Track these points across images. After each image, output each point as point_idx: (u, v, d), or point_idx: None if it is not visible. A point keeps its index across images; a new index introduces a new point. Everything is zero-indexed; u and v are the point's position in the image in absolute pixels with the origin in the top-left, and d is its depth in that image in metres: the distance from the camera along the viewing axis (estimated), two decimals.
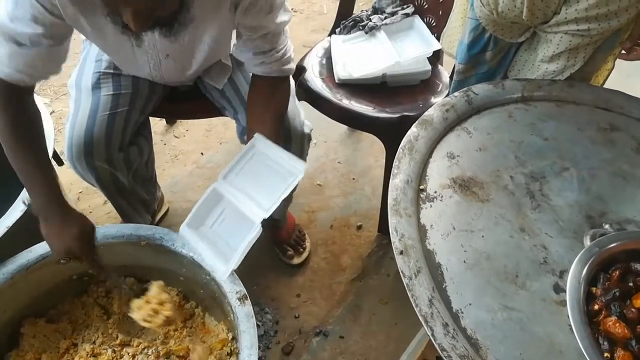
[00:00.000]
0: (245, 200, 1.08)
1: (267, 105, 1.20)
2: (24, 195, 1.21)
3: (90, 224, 1.12)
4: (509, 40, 1.21)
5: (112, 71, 1.31)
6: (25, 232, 1.19)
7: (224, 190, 1.11)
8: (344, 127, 2.24)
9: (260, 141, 1.12)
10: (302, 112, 1.38)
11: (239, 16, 1.09)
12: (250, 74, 1.25)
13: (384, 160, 1.64)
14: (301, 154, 1.40)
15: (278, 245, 1.74)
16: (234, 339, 1.23)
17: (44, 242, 1.18)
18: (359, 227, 1.87)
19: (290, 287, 1.68)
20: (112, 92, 1.29)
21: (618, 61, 1.22)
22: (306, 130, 1.38)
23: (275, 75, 1.20)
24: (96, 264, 1.13)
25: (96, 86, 1.29)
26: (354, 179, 2.05)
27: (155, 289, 1.18)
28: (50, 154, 1.29)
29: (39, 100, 1.42)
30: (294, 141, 1.35)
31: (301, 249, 1.75)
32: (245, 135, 1.28)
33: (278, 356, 1.51)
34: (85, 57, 1.35)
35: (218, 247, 1.10)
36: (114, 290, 1.34)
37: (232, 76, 1.38)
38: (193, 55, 1.23)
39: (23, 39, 0.97)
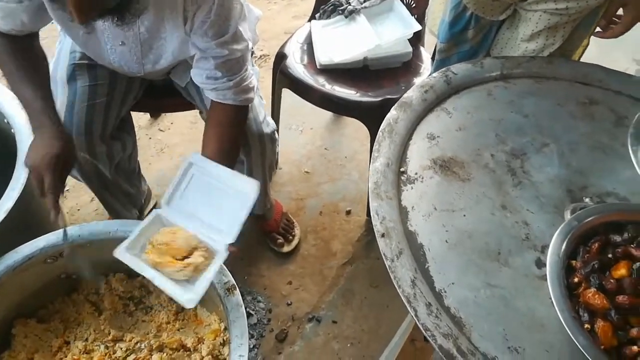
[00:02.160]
0: (199, 226, 1.04)
1: (219, 137, 1.16)
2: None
3: (72, 156, 1.10)
4: (490, 18, 1.20)
5: (86, 62, 1.29)
6: (10, 233, 1.19)
7: (168, 216, 1.06)
8: (329, 114, 2.23)
9: (198, 159, 1.08)
10: (262, 112, 1.35)
11: (189, 32, 1.08)
12: None
13: (369, 145, 1.64)
14: (263, 155, 1.38)
15: (267, 235, 1.75)
16: (227, 329, 1.24)
17: (30, 242, 1.18)
18: (348, 212, 1.88)
19: (282, 275, 1.69)
20: (88, 84, 1.28)
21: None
22: (266, 129, 1.35)
23: (230, 103, 1.16)
24: (54, 198, 1.05)
25: (72, 78, 1.28)
26: (341, 164, 2.05)
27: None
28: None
29: None
30: (252, 144, 1.33)
31: (290, 237, 1.75)
32: None
33: (272, 344, 1.52)
34: (60, 49, 1.34)
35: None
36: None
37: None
38: (158, 51, 1.20)
39: None
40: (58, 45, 1.35)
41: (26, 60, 1.12)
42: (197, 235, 1.03)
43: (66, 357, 1.22)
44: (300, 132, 2.17)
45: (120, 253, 1.02)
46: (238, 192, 1.04)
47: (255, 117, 1.31)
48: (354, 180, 1.98)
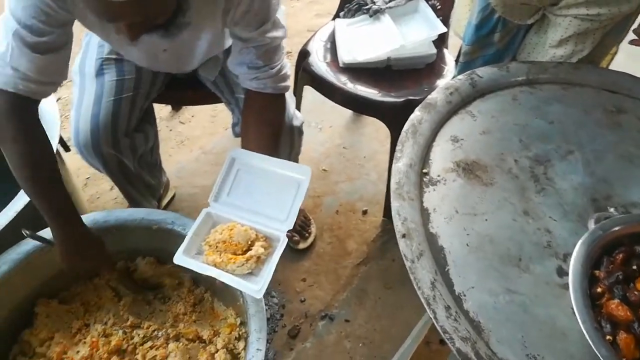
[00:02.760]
0: (254, 217, 1.01)
1: (260, 123, 1.17)
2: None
3: (100, 240, 1.16)
4: (518, 22, 1.19)
5: (114, 56, 1.31)
6: (37, 215, 1.21)
7: (220, 212, 1.04)
8: (349, 112, 2.23)
9: (241, 153, 1.07)
10: (292, 105, 1.35)
11: (230, 25, 1.08)
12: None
13: (389, 145, 1.64)
14: (291, 147, 1.39)
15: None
16: (242, 323, 1.25)
17: None
18: (365, 212, 1.87)
19: (296, 271, 1.69)
20: (115, 78, 1.29)
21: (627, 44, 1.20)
22: (295, 122, 1.35)
23: (269, 91, 1.16)
24: (118, 280, 1.20)
25: (99, 72, 1.30)
26: (359, 164, 2.05)
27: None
28: (57, 141, 1.30)
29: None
30: (283, 136, 1.32)
31: (307, 234, 1.76)
32: (239, 130, 1.27)
33: (284, 339, 1.53)
34: (87, 42, 1.35)
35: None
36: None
37: (222, 68, 1.37)
38: (193, 52, 1.22)
39: (32, 32, 0.94)
40: (85, 37, 1.37)
41: (37, 152, 1.04)
42: (254, 226, 1.01)
43: (85, 338, 1.25)
44: (320, 129, 2.17)
45: (180, 259, 0.99)
46: (290, 178, 1.01)
47: (286, 109, 1.32)
48: (372, 181, 1.98)
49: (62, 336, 1.24)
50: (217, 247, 1.01)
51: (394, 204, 0.79)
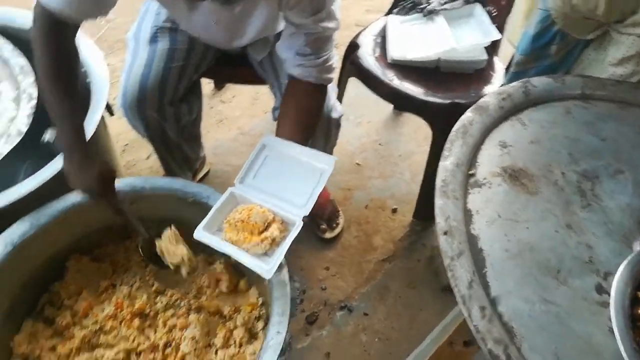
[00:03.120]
0: (274, 201, 1.05)
1: (298, 111, 1.17)
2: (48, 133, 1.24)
3: (111, 168, 1.13)
4: (578, 36, 1.17)
5: (169, 25, 1.34)
6: None
7: (243, 193, 1.07)
8: (389, 110, 2.23)
9: (272, 140, 1.09)
10: (332, 97, 1.35)
11: (285, 9, 1.08)
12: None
13: (426, 147, 1.63)
14: (327, 138, 1.39)
15: (311, 218, 1.76)
16: (264, 304, 1.26)
17: None
18: (394, 211, 1.87)
19: (320, 259, 1.70)
20: (168, 46, 1.32)
21: None
22: (334, 114, 1.35)
23: (312, 80, 1.16)
24: (115, 206, 1.13)
25: (153, 39, 1.32)
26: (394, 162, 2.04)
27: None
28: (104, 104, 1.34)
29: (98, 50, 1.47)
30: (320, 126, 1.33)
31: (334, 225, 1.77)
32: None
33: (302, 324, 1.54)
34: (145, 10, 1.38)
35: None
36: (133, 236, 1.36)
37: (271, 51, 1.38)
38: (245, 28, 1.23)
39: None
40: (144, 4, 1.40)
41: (64, 63, 1.07)
42: (272, 209, 1.04)
43: (111, 298, 1.28)
44: (358, 124, 2.17)
45: (199, 234, 1.04)
46: (313, 167, 1.05)
47: (326, 100, 1.33)
48: (405, 180, 1.97)
49: (89, 293, 1.28)
50: (236, 225, 1.04)
51: (438, 201, 0.79)
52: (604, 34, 1.16)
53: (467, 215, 0.81)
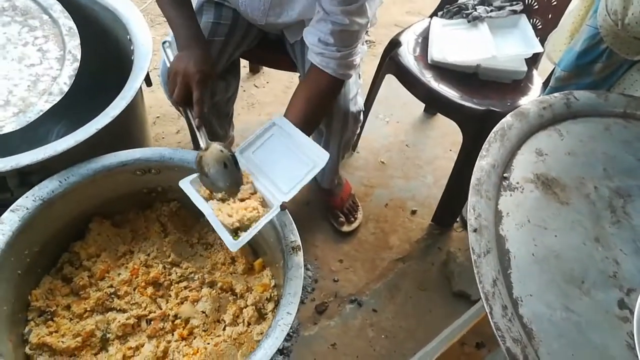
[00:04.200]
0: (262, 180, 1.08)
1: (307, 101, 1.17)
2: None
3: (207, 66, 1.16)
4: (625, 56, 1.16)
5: (215, 0, 1.35)
6: (113, 139, 1.27)
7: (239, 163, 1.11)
8: (419, 112, 2.23)
9: (282, 122, 1.10)
10: (354, 90, 1.34)
11: None
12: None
13: (452, 153, 1.64)
14: (343, 131, 1.38)
15: (331, 210, 1.78)
16: (276, 286, 1.27)
17: (127, 150, 1.26)
18: (414, 212, 1.87)
19: (335, 251, 1.71)
20: (212, 20, 1.34)
21: None
22: (352, 108, 1.34)
23: (329, 72, 1.16)
24: (197, 98, 1.14)
25: (199, 12, 1.35)
26: (418, 164, 2.04)
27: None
28: (145, 73, 1.36)
29: (143, 20, 1.50)
30: (335, 118, 1.33)
31: (352, 219, 1.77)
32: None
33: (311, 312, 1.55)
34: None
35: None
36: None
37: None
38: (288, 4, 1.24)
39: None
40: None
41: None
42: (258, 186, 1.08)
43: (128, 264, 1.31)
44: (386, 122, 2.18)
45: (184, 184, 1.09)
46: (308, 158, 1.07)
47: (346, 93, 1.32)
48: (427, 184, 1.97)
49: (108, 256, 1.31)
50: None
51: (472, 199, 0.80)
52: None
53: (498, 216, 0.81)
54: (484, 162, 0.85)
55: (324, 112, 1.26)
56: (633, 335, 0.70)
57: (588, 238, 0.84)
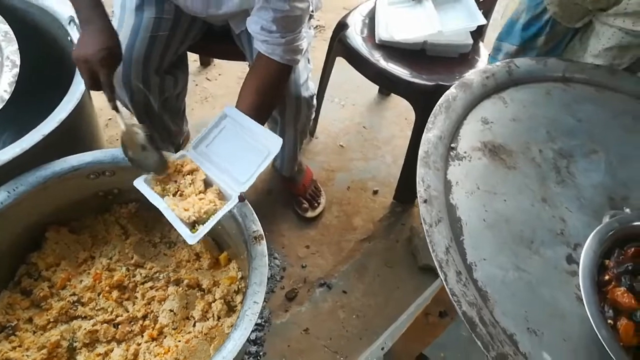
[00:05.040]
0: (218, 172, 1.08)
1: (257, 90, 1.15)
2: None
3: (112, 43, 1.09)
4: (567, 24, 1.18)
5: None
6: (61, 143, 1.24)
7: (193, 158, 1.10)
8: (373, 93, 2.24)
9: (233, 112, 1.09)
10: (304, 75, 1.34)
11: None
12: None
13: (408, 132, 1.66)
14: (296, 117, 1.38)
15: (294, 198, 1.78)
16: (243, 278, 1.27)
17: (78, 154, 1.22)
18: (375, 192, 1.90)
19: (301, 238, 1.72)
20: (154, 15, 1.31)
21: None
22: (304, 93, 1.34)
23: (276, 59, 1.15)
24: (106, 83, 1.08)
25: (139, 7, 1.31)
26: (376, 145, 2.06)
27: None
28: None
29: None
30: (288, 105, 1.33)
31: (316, 204, 1.78)
32: None
33: (281, 300, 1.56)
34: None
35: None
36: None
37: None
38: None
39: None
40: None
41: None
42: (213, 179, 1.07)
43: (90, 270, 1.28)
44: (342, 106, 2.19)
45: (138, 182, 1.07)
46: (262, 146, 1.07)
47: (296, 79, 1.32)
48: (386, 163, 2.00)
49: (68, 264, 1.28)
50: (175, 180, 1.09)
51: (420, 171, 0.81)
52: (588, 25, 1.18)
53: (447, 186, 0.83)
54: (430, 135, 0.87)
55: (275, 99, 1.25)
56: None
57: (535, 199, 0.87)
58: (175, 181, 1.08)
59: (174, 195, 1.06)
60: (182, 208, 1.03)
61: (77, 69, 1.33)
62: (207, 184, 1.09)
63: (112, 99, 1.10)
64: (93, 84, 1.08)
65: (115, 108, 1.11)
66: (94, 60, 1.04)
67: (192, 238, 1.00)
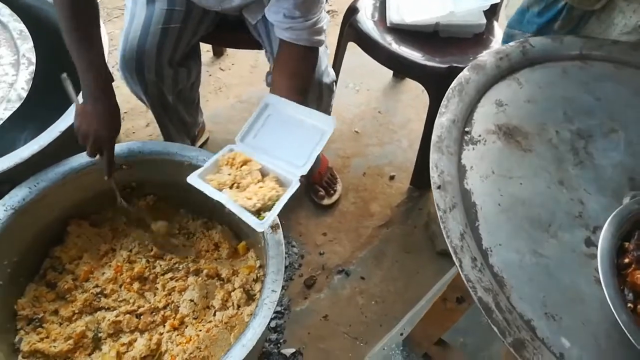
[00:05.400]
0: (272, 160, 1.04)
1: (289, 75, 1.15)
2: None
3: (118, 124, 1.15)
4: (585, 7, 1.14)
5: None
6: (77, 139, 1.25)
7: (242, 151, 1.06)
8: (388, 78, 2.22)
9: (274, 99, 1.08)
10: (325, 61, 1.34)
11: None
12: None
13: (424, 115, 1.63)
14: (319, 103, 1.38)
15: (310, 185, 1.78)
16: (261, 266, 1.29)
17: None
18: (392, 178, 1.88)
19: (319, 225, 1.72)
20: (166, 7, 1.31)
21: None
22: (325, 79, 1.34)
23: (303, 44, 1.15)
24: (108, 160, 1.15)
25: (151, 0, 1.31)
26: (392, 129, 2.05)
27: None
28: None
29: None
30: (311, 91, 1.32)
31: (332, 191, 1.78)
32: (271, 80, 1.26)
33: (300, 288, 1.57)
34: None
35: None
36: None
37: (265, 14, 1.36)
38: None
39: None
40: None
41: (83, 17, 1.10)
42: (269, 167, 1.04)
43: (111, 262, 1.31)
44: (357, 91, 2.17)
45: (193, 179, 1.02)
46: (314, 127, 1.04)
47: (318, 65, 1.32)
48: (402, 148, 1.98)
49: (90, 257, 1.31)
50: (229, 173, 1.04)
51: (433, 156, 0.80)
52: (607, 5, 1.14)
53: (461, 171, 0.82)
54: (443, 119, 0.86)
55: (308, 82, 1.24)
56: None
57: (552, 182, 0.85)
58: (229, 174, 1.04)
59: (230, 188, 1.02)
60: (244, 198, 0.99)
61: None
62: (263, 173, 1.05)
63: (109, 174, 1.19)
64: (94, 155, 1.15)
65: (111, 181, 1.19)
66: (103, 140, 1.10)
67: (260, 225, 0.96)
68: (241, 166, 1.04)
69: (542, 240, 0.77)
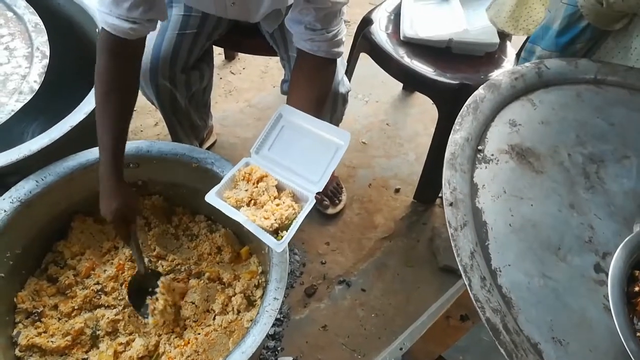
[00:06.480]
0: (288, 175, 1.02)
1: (308, 86, 1.15)
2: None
3: (134, 207, 1.16)
4: (606, 28, 1.14)
5: None
6: (87, 135, 1.25)
7: (258, 164, 1.04)
8: (397, 90, 2.22)
9: (288, 111, 1.06)
10: (341, 72, 1.34)
11: None
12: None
13: (432, 129, 1.63)
14: (333, 113, 1.38)
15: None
16: (264, 273, 1.28)
17: None
18: (397, 191, 1.88)
19: (322, 234, 1.72)
20: (182, 13, 1.31)
21: None
22: (341, 89, 1.34)
23: (322, 55, 1.15)
24: (125, 239, 1.18)
25: (168, 5, 1.32)
26: (399, 142, 2.05)
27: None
28: None
29: None
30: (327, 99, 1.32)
31: (337, 201, 1.78)
32: (287, 88, 1.27)
33: (300, 296, 1.56)
34: None
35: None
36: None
37: (282, 22, 1.36)
38: (259, 6, 1.22)
39: None
40: None
41: (119, 94, 1.10)
42: (286, 182, 1.02)
43: (113, 260, 1.30)
44: (366, 102, 2.17)
45: (211, 197, 1.00)
46: (329, 142, 1.02)
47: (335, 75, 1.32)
48: (409, 161, 1.98)
49: (92, 253, 1.30)
50: (246, 189, 1.01)
51: (446, 173, 0.80)
52: (628, 24, 1.14)
53: (473, 189, 0.82)
54: (457, 136, 0.86)
55: (326, 94, 1.24)
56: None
57: (563, 205, 0.85)
58: (246, 190, 1.02)
59: (247, 205, 1.00)
60: (261, 217, 0.97)
61: None
62: (279, 188, 1.03)
63: (127, 243, 1.20)
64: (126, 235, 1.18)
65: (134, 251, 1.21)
66: (114, 221, 1.12)
67: (278, 246, 0.94)
68: (258, 182, 1.01)
69: (551, 263, 0.77)
